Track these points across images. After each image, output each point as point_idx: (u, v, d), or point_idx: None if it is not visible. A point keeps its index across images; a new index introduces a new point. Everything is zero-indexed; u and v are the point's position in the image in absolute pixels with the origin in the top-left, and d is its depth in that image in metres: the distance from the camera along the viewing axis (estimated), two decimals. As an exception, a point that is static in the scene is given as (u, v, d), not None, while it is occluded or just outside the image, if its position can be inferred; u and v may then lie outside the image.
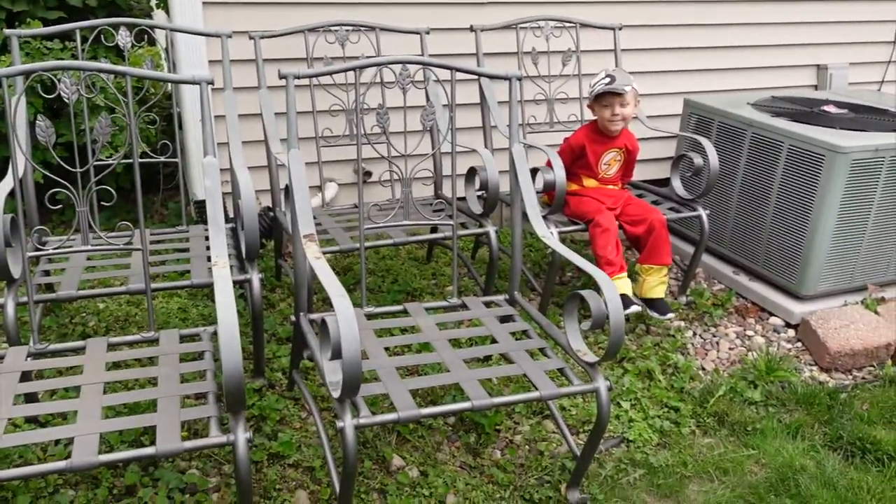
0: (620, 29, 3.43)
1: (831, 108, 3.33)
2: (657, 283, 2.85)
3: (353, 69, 2.09)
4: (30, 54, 3.21)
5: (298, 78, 2.06)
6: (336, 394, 1.66)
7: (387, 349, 1.99)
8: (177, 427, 1.63)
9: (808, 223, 2.89)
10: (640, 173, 3.73)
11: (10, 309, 2.06)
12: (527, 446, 2.24)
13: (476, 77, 2.95)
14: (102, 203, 2.26)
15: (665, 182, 3.24)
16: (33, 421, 2.18)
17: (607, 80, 2.78)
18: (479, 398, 1.78)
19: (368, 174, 3.49)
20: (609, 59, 3.43)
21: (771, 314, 3.04)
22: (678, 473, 2.18)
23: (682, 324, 2.95)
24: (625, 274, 2.75)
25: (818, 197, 2.85)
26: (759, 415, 2.43)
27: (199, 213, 3.31)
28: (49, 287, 2.44)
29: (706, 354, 2.78)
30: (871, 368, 2.74)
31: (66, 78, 1.94)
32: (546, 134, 3.32)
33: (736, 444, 2.31)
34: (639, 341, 2.81)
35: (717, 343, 2.85)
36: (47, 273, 2.40)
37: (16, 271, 2.05)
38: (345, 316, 1.58)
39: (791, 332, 2.93)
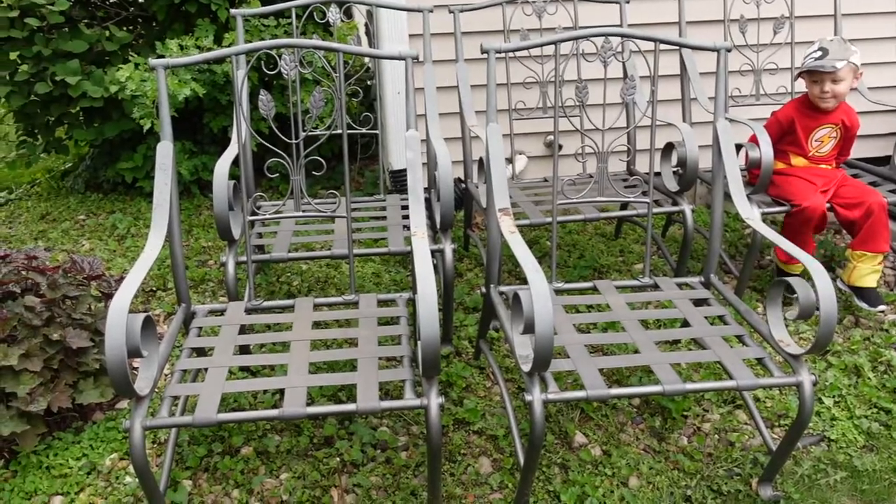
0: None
1: None
2: (869, 272, 2.62)
3: (553, 42, 2.07)
4: (249, 31, 3.48)
5: (499, 53, 2.07)
6: (526, 368, 1.68)
7: (575, 326, 1.98)
8: (375, 387, 1.73)
9: None
10: (857, 150, 3.41)
11: (231, 267, 2.27)
12: (716, 435, 2.16)
13: (677, 48, 2.83)
14: (313, 172, 2.41)
15: (886, 161, 2.95)
16: (246, 370, 2.41)
17: (818, 53, 2.56)
18: (670, 382, 1.74)
19: (559, 147, 3.46)
20: (828, 26, 3.15)
21: None
22: (887, 480, 2.01)
23: (900, 317, 2.70)
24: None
25: None
26: None
27: (395, 182, 3.44)
28: (261, 248, 2.65)
29: (926, 353, 2.52)
30: None
31: (286, 55, 2.08)
32: (752, 108, 3.13)
33: (959, 455, 2.09)
34: (846, 334, 2.60)
35: (942, 342, 2.57)
36: (260, 236, 2.61)
37: (236, 233, 2.25)
38: (540, 292, 1.59)
39: None
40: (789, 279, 1.78)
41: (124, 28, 3.89)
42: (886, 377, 2.36)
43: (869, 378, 2.35)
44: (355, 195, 3.75)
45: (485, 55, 2.07)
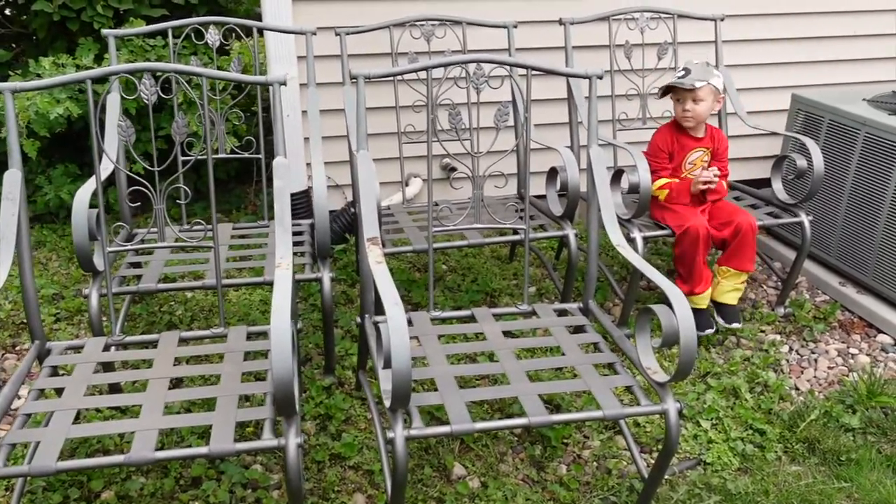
0: (723, 20, 3.23)
1: (961, 106, 3.02)
2: (731, 289, 2.69)
3: (425, 69, 2.05)
4: (133, 52, 3.35)
5: (368, 79, 2.03)
6: (388, 403, 1.63)
7: (449, 356, 1.94)
8: (231, 427, 1.65)
9: (926, 233, 2.63)
10: (739, 173, 3.52)
11: (94, 300, 2.15)
12: (595, 463, 2.15)
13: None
14: (178, 201, 2.31)
15: (766, 182, 3.03)
16: (116, 409, 2.28)
17: (681, 73, 2.62)
18: (536, 414, 1.71)
19: (453, 170, 3.45)
20: (709, 52, 3.24)
21: (879, 331, 2.79)
22: (758, 502, 2.03)
23: (778, 337, 2.76)
24: (709, 291, 2.60)
25: (938, 205, 2.59)
26: (855, 444, 2.24)
27: (286, 206, 3.35)
28: (138, 278, 2.53)
29: (801, 373, 2.58)
30: None
31: (146, 79, 1.99)
32: (639, 131, 3.18)
33: (826, 474, 2.13)
34: (727, 355, 2.64)
35: (816, 361, 2.64)
36: (135, 265, 2.49)
37: (99, 264, 2.14)
38: (396, 327, 1.55)
39: (901, 352, 2.68)
40: (653, 306, 1.79)
41: (1, 45, 3.70)
42: (763, 398, 2.41)
43: (746, 399, 2.39)
44: (250, 218, 3.65)
45: (354, 81, 2.03)
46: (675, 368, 1.72)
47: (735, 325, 2.67)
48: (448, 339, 2.53)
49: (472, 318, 2.15)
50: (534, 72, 2.11)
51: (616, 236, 2.08)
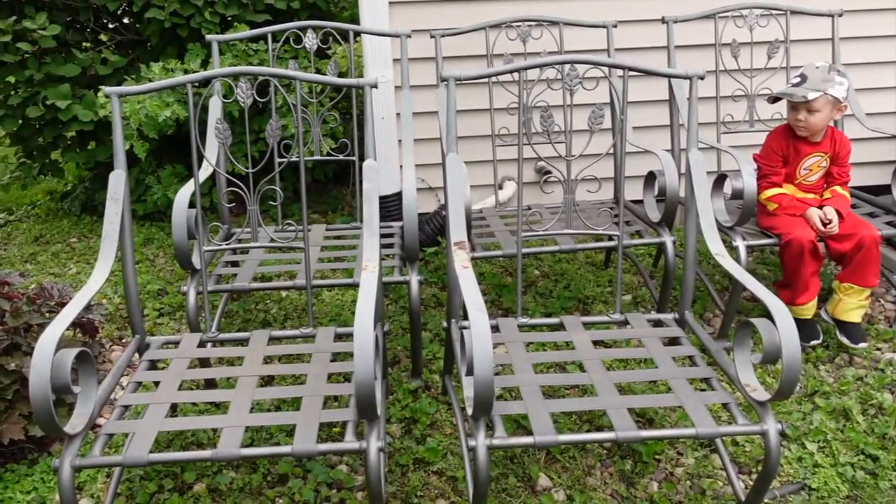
0: (841, 15, 3.03)
1: None
2: (855, 307, 2.51)
3: (517, 70, 2.01)
4: (237, 56, 3.46)
5: (459, 81, 2.01)
6: (470, 410, 1.60)
7: (535, 365, 1.89)
8: (315, 428, 1.66)
9: None
10: (856, 178, 3.28)
11: (192, 297, 2.23)
12: (688, 482, 2.05)
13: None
14: (270, 202, 2.36)
15: (886, 189, 2.82)
16: (211, 403, 2.35)
17: (797, 79, 2.45)
18: (624, 429, 1.64)
19: (548, 173, 3.39)
20: (825, 50, 3.05)
21: None
22: (869, 534, 1.88)
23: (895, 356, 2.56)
24: (813, 302, 2.44)
25: None
26: (982, 476, 2.04)
27: (381, 208, 3.39)
28: (234, 277, 2.61)
29: (922, 395, 2.38)
30: None
31: (242, 82, 2.03)
32: (745, 134, 3.03)
33: (948, 508, 1.96)
34: (837, 373, 2.47)
35: (938, 383, 2.43)
36: (232, 264, 2.56)
37: (196, 262, 2.20)
38: (479, 332, 1.52)
39: None
40: (754, 320, 1.68)
41: (118, 52, 3.90)
42: (876, 421, 2.23)
43: (858, 422, 2.22)
44: (345, 220, 3.70)
45: (444, 82, 2.01)
46: (777, 386, 1.61)
47: (862, 346, 2.50)
48: (536, 347, 2.48)
49: (560, 326, 2.09)
50: (631, 73, 2.04)
51: (715, 244, 1.97)
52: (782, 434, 1.66)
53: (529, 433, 1.62)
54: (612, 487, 2.03)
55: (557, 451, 2.13)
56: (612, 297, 2.94)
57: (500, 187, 3.45)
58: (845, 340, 2.51)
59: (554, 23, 2.93)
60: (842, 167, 2.58)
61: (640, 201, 2.61)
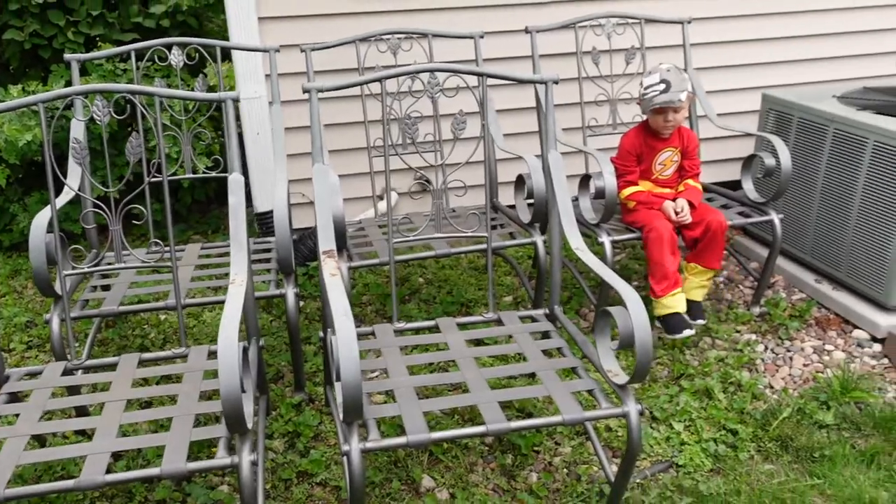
0: (689, 23, 3.23)
1: (930, 98, 3.01)
2: (697, 286, 2.70)
3: (376, 80, 2.05)
4: (104, 76, 3.36)
5: (322, 92, 2.03)
6: (341, 415, 1.62)
7: (410, 367, 1.93)
8: (184, 448, 1.63)
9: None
10: (714, 175, 3.51)
11: (55, 324, 2.14)
12: (565, 469, 2.13)
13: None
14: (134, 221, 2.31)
15: (739, 185, 3.02)
16: (81, 433, 2.26)
17: (662, 86, 2.60)
18: (494, 422, 1.69)
19: (427, 182, 3.44)
20: (678, 55, 3.24)
21: (855, 327, 2.77)
22: (730, 503, 2.00)
23: (753, 337, 2.74)
24: (680, 290, 2.58)
25: (907, 197, 2.58)
26: (829, 440, 2.21)
27: (261, 225, 3.36)
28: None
29: (776, 371, 2.56)
30: (970, 389, 2.45)
31: (98, 101, 1.99)
32: (609, 136, 3.18)
33: (800, 472, 2.11)
34: (701, 356, 2.62)
35: (791, 359, 2.62)
36: (102, 289, 2.48)
37: (59, 288, 2.13)
38: (344, 337, 1.54)
39: (877, 347, 2.66)
40: (610, 308, 1.78)
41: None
42: (735, 398, 2.39)
43: (719, 400, 2.37)
44: (223, 239, 3.64)
45: (306, 94, 2.03)
46: (633, 370, 1.70)
47: (699, 322, 2.66)
48: (412, 350, 2.52)
49: (436, 328, 2.14)
50: (501, 81, 2.11)
51: (575, 240, 2.06)
52: (642, 414, 1.76)
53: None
54: (493, 482, 2.08)
55: (440, 452, 2.17)
56: (495, 300, 3.01)
57: (381, 198, 3.48)
58: (685, 317, 2.66)
59: (423, 35, 3.00)
60: (692, 160, 2.76)
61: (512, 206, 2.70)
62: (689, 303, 2.67)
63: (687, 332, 2.61)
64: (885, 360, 2.60)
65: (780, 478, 2.09)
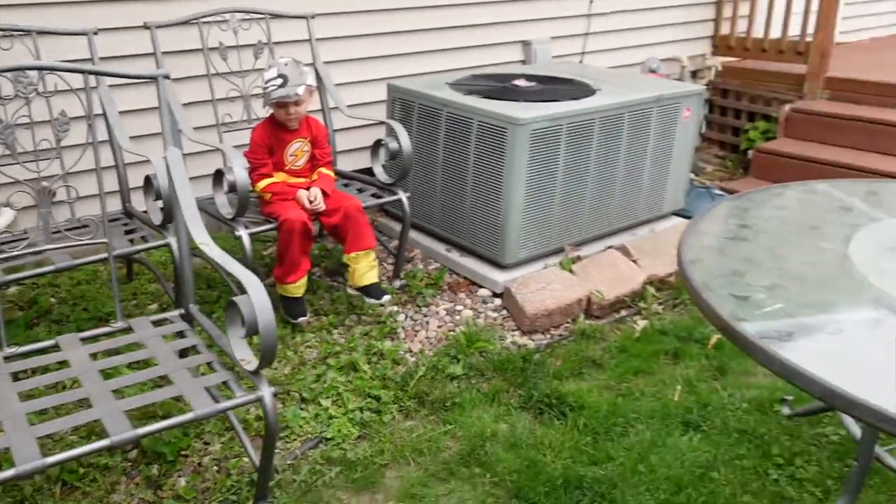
0: (313, 18, 3.36)
1: (521, 82, 3.48)
2: (368, 269, 2.83)
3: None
4: None
5: None
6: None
7: (22, 394, 1.77)
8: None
9: (502, 194, 3.00)
10: (352, 163, 3.70)
11: None
12: (215, 467, 2.12)
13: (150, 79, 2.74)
14: None
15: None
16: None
17: (279, 80, 2.67)
18: (119, 433, 1.63)
19: (53, 193, 3.16)
20: (304, 49, 3.35)
21: (480, 287, 3.13)
22: (376, 464, 2.16)
23: (395, 308, 2.96)
24: (303, 280, 2.72)
25: (506, 168, 2.96)
26: (459, 389, 2.48)
27: None
28: None
29: (415, 336, 2.80)
30: (568, 325, 2.91)
31: None
32: (245, 131, 3.18)
33: (435, 421, 2.34)
34: (348, 334, 2.77)
35: (427, 323, 2.88)
36: None
37: None
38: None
39: (497, 302, 3.04)
40: (235, 298, 1.80)
41: None
42: (378, 366, 2.57)
43: (364, 371, 2.53)
44: None
45: None
46: (260, 354, 1.75)
47: (386, 298, 2.82)
48: (26, 375, 2.30)
49: (55, 348, 1.99)
50: (118, 80, 2.00)
51: (200, 235, 2.04)
52: (275, 395, 1.82)
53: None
54: (138, 497, 2.00)
55: (75, 479, 2.02)
56: (136, 309, 2.88)
57: (-1, 214, 3.12)
58: (373, 301, 2.82)
59: (27, 33, 2.72)
60: (322, 149, 2.89)
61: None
62: (369, 287, 2.81)
63: (303, 318, 2.75)
64: (505, 312, 2.98)
65: (418, 431, 2.30)
